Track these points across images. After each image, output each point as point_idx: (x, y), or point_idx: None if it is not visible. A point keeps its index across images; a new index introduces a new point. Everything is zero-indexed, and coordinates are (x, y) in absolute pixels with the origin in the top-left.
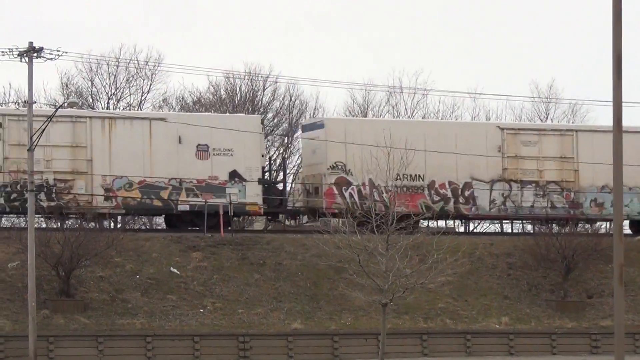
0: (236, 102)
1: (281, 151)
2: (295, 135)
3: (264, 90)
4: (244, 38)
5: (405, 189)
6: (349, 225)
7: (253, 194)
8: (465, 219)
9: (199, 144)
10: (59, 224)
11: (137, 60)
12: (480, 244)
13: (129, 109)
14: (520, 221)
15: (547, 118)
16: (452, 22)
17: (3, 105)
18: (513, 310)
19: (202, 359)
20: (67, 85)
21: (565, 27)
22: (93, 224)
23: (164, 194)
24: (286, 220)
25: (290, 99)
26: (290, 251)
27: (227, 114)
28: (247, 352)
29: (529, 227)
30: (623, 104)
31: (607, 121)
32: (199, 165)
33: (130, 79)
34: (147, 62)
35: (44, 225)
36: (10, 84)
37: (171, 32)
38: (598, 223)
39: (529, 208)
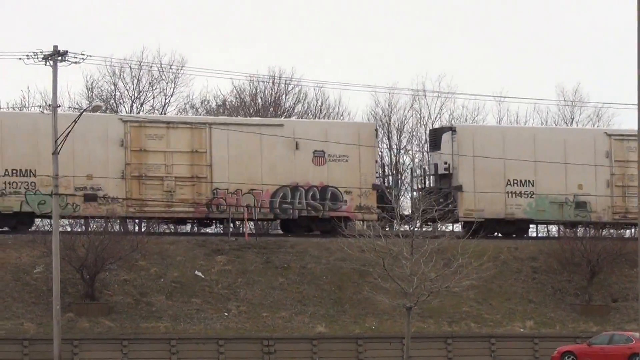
0: (260, 105)
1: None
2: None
3: (286, 94)
4: (268, 42)
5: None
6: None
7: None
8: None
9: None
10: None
11: (160, 64)
12: (505, 248)
13: (153, 112)
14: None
15: (572, 122)
16: (477, 25)
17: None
18: (538, 314)
19: None
20: (91, 89)
21: (591, 30)
22: (118, 227)
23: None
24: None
25: (317, 102)
26: (314, 255)
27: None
28: (271, 356)
29: (553, 231)
30: None
31: (632, 125)
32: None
33: (154, 82)
34: (171, 66)
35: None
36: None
37: (194, 35)
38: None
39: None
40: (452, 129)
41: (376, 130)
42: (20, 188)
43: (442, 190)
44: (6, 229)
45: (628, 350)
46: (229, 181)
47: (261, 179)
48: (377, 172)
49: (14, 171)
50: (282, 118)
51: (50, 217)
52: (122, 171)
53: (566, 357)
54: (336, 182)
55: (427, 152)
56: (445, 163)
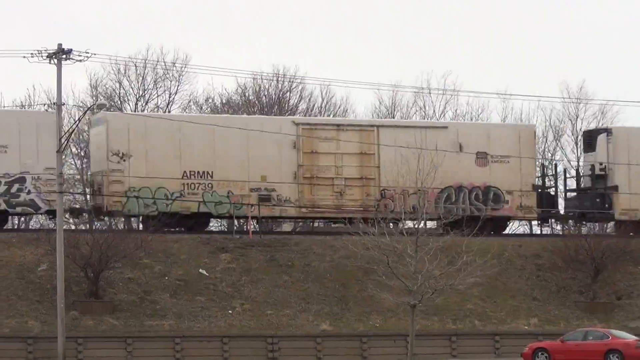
0: (264, 103)
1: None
2: None
3: (290, 92)
4: (272, 40)
5: None
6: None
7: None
8: None
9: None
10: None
11: (164, 62)
12: (509, 246)
13: (157, 111)
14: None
15: (577, 119)
16: (481, 23)
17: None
18: (542, 312)
19: None
20: (95, 87)
21: (596, 27)
22: (123, 225)
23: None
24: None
25: (323, 100)
26: (318, 253)
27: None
28: (275, 354)
29: (558, 229)
30: None
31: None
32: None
33: (158, 80)
34: (175, 64)
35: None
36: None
37: (198, 33)
38: None
39: None
40: (607, 131)
41: (534, 132)
42: (197, 189)
43: (597, 190)
44: (182, 229)
45: (604, 346)
46: (397, 182)
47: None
48: (535, 173)
49: (192, 173)
50: (447, 120)
51: (225, 217)
52: (295, 172)
53: (539, 354)
54: (498, 182)
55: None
56: (601, 164)
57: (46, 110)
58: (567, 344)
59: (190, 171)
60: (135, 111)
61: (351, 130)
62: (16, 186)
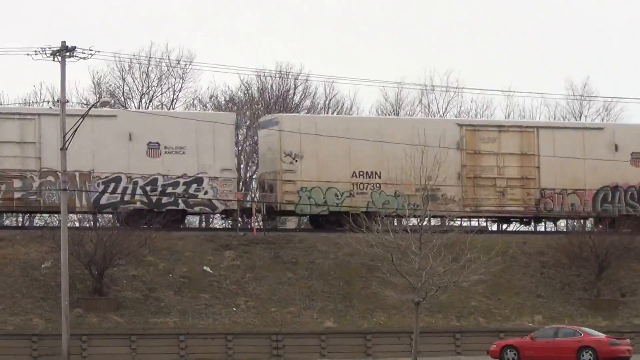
0: (268, 100)
1: None
2: None
3: (295, 89)
4: (276, 37)
5: None
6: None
7: None
8: None
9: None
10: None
11: (168, 59)
12: (513, 243)
13: (162, 108)
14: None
15: (580, 116)
16: (484, 20)
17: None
18: (546, 309)
19: (235, 357)
20: (98, 84)
21: (600, 24)
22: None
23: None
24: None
25: (326, 98)
26: (322, 250)
27: None
28: (279, 351)
29: (562, 226)
30: None
31: None
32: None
33: (162, 77)
34: (179, 61)
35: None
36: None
37: (202, 31)
38: None
39: None
40: None
41: None
42: (366, 189)
43: None
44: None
45: (577, 343)
46: (555, 182)
47: (584, 179)
48: None
49: (361, 173)
50: (602, 121)
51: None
52: (459, 173)
53: (507, 351)
54: None
55: None
56: None
57: (50, 107)
58: (537, 342)
59: (359, 171)
60: (139, 108)
61: (512, 132)
62: (194, 186)
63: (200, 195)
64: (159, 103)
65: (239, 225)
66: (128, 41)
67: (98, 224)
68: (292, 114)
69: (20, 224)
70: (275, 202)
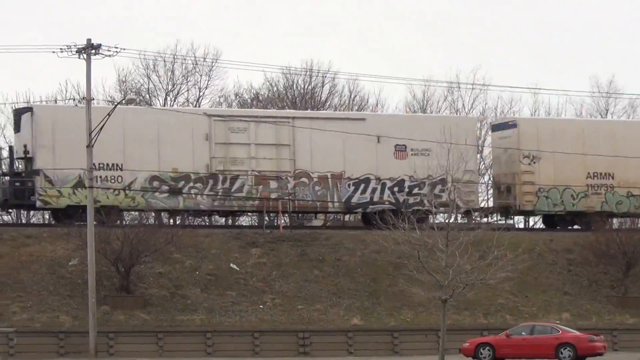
0: (295, 97)
1: None
2: None
3: (322, 86)
4: (302, 35)
5: None
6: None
7: None
8: None
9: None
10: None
11: (194, 56)
12: (540, 240)
13: (187, 105)
14: None
15: (607, 113)
16: (511, 17)
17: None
18: (573, 306)
19: (262, 354)
20: (124, 82)
21: (626, 22)
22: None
23: None
24: None
25: (350, 94)
26: (349, 247)
27: None
28: (306, 348)
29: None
30: None
31: None
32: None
33: (188, 75)
34: (205, 59)
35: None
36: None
37: (228, 28)
38: None
39: None
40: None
41: None
42: (600, 190)
43: None
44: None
45: (555, 340)
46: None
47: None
48: None
49: (595, 174)
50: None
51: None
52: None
53: (482, 349)
54: None
55: None
56: None
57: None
58: (514, 339)
59: (593, 172)
60: (164, 105)
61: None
62: (438, 187)
63: (444, 196)
64: (184, 100)
65: (284, 222)
66: (154, 40)
67: (125, 222)
68: (530, 117)
69: (46, 222)
70: (514, 202)
